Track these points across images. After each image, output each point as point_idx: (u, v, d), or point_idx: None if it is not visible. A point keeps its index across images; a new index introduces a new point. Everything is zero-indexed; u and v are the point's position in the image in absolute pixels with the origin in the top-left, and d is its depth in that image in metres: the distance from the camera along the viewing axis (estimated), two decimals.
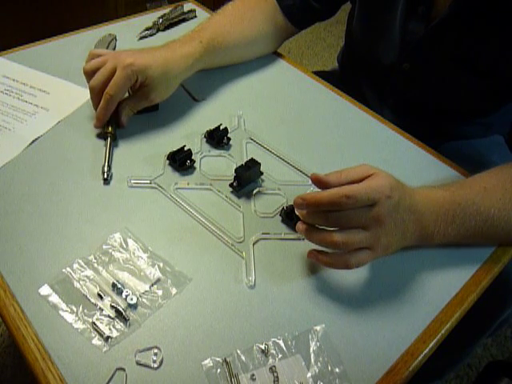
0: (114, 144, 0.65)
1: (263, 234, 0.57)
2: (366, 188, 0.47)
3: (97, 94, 0.65)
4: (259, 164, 0.62)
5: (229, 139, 0.68)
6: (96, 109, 0.65)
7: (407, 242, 0.53)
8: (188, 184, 0.62)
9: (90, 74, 0.65)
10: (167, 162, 0.64)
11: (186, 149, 0.63)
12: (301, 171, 0.65)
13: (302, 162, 0.66)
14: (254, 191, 0.62)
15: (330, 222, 0.49)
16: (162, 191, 0.60)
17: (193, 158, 0.64)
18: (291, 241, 0.57)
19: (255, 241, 0.56)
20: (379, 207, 0.48)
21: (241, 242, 0.55)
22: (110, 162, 0.62)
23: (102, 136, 0.66)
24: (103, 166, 0.61)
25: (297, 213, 0.52)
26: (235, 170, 0.61)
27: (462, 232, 0.54)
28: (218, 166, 0.65)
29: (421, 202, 0.52)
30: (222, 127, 0.67)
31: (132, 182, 0.60)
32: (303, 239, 0.53)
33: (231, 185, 0.61)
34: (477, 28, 0.69)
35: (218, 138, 0.67)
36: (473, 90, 0.77)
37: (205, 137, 0.68)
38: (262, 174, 0.63)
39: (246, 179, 0.61)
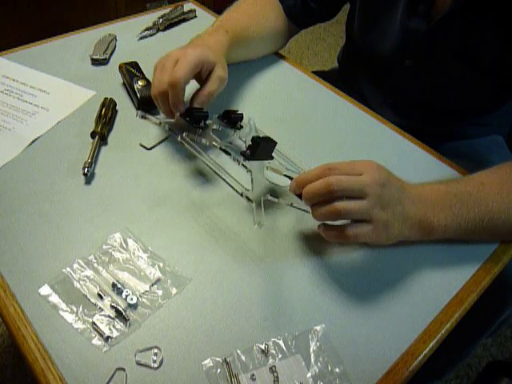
0: (101, 143, 0.66)
1: (272, 196, 0.56)
2: (350, 163, 0.51)
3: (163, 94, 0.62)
4: (275, 143, 0.60)
5: (241, 126, 0.67)
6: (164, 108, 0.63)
7: (408, 229, 0.53)
8: (197, 139, 0.60)
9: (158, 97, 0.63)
10: (180, 118, 0.63)
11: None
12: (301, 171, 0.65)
13: (301, 162, 0.66)
14: (267, 166, 0.60)
15: (324, 189, 0.50)
16: (172, 135, 0.59)
17: (207, 122, 0.63)
18: (292, 242, 0.57)
19: (265, 193, 0.56)
20: (367, 176, 0.50)
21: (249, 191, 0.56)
22: (93, 159, 0.62)
23: (91, 135, 0.65)
24: (85, 162, 0.61)
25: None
26: (252, 138, 0.59)
27: (462, 225, 0.54)
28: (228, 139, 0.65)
29: (415, 190, 0.54)
30: (238, 112, 0.67)
31: (140, 114, 0.58)
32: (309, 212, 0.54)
33: (243, 153, 0.58)
34: (478, 26, 0.69)
35: (232, 119, 0.66)
36: (474, 88, 0.77)
37: (218, 117, 0.67)
38: (272, 158, 0.61)
39: (261, 150, 0.58)
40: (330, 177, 0.50)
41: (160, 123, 0.60)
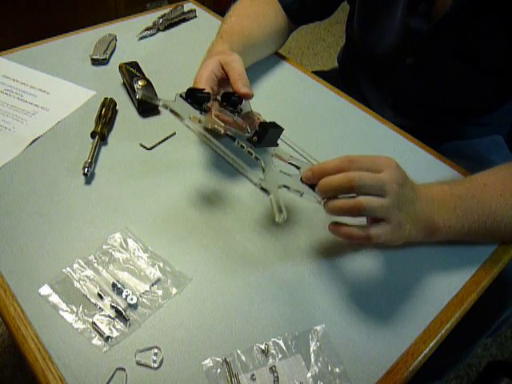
0: (101, 143, 0.66)
1: (284, 186, 0.53)
2: (371, 157, 0.50)
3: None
4: (282, 129, 0.57)
5: (241, 110, 0.62)
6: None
7: (415, 229, 0.53)
8: (200, 121, 0.55)
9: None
10: (180, 98, 0.57)
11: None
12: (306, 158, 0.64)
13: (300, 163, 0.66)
14: (272, 152, 0.57)
15: (345, 184, 0.48)
16: (174, 118, 0.54)
17: (208, 105, 0.58)
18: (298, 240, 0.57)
19: (278, 182, 0.53)
20: (387, 174, 0.49)
21: (264, 180, 0.52)
22: (93, 159, 0.62)
23: (91, 135, 0.65)
24: (85, 162, 0.61)
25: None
26: (260, 124, 0.55)
27: (466, 226, 0.54)
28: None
29: (423, 190, 0.54)
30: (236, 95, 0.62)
31: (143, 94, 0.55)
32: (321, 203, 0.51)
33: (250, 139, 0.55)
34: (478, 26, 0.69)
35: (232, 101, 0.61)
36: (474, 88, 0.77)
37: (215, 99, 0.61)
38: (277, 145, 0.58)
39: (269, 136, 0.55)
40: (351, 172, 0.48)
41: (163, 105, 0.55)
